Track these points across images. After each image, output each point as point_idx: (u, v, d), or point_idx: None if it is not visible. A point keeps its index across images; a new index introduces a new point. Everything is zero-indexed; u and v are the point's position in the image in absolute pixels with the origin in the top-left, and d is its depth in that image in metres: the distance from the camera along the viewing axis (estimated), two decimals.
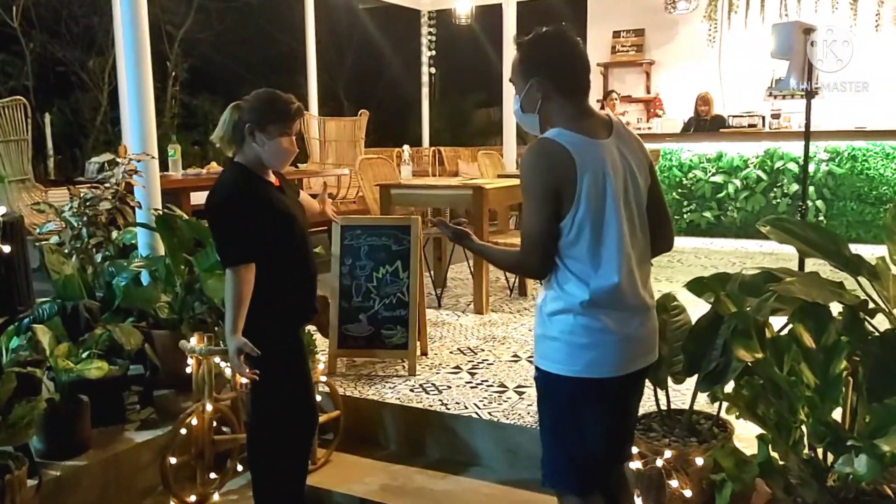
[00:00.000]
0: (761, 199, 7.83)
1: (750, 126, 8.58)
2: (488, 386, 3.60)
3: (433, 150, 10.50)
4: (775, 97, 9.24)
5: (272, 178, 2.58)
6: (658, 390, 2.69)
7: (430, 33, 11.90)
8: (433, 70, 11.49)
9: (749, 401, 2.21)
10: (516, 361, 3.97)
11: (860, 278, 2.54)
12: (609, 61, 10.36)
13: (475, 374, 3.79)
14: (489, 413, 3.26)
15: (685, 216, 8.18)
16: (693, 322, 2.66)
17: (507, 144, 7.48)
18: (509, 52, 7.72)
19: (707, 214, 8.10)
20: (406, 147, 6.45)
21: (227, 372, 3.16)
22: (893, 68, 8.36)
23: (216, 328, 3.40)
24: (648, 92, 10.25)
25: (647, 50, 10.21)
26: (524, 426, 3.11)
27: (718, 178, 8.05)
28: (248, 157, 2.52)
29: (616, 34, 10.36)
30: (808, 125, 4.05)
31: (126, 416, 3.37)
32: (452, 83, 13.40)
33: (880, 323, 2.46)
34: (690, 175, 8.17)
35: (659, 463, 2.40)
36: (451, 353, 4.16)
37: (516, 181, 5.54)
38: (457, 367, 3.89)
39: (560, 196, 1.85)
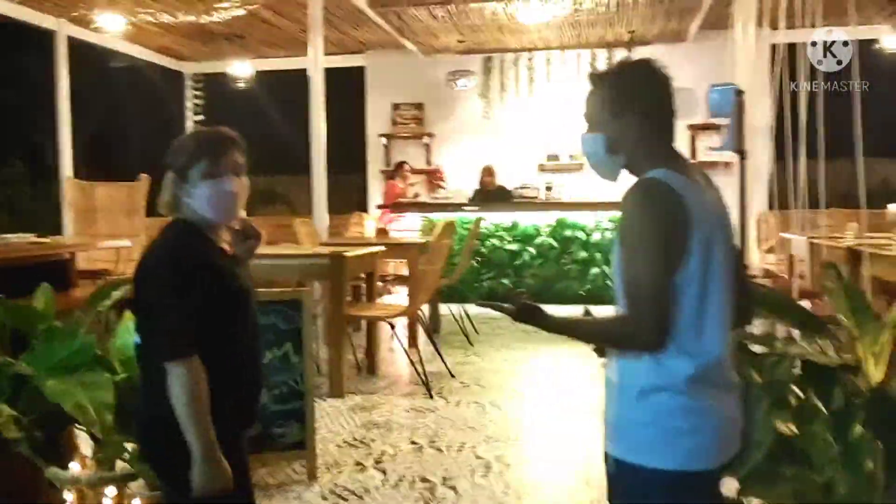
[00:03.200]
0: (554, 266, 8.20)
1: (530, 198, 9.02)
2: (410, 483, 3.15)
3: None
4: (548, 171, 9.95)
5: (224, 244, 2.01)
6: None
7: (195, 96, 11.13)
8: None
9: (792, 488, 2.08)
10: (420, 449, 3.55)
11: (819, 339, 2.60)
12: (390, 133, 10.41)
13: (384, 470, 3.30)
14: None
15: (484, 283, 8.29)
16: None
17: (318, 213, 7.04)
18: (317, 118, 7.42)
19: (505, 281, 8.28)
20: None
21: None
22: None
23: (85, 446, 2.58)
24: (429, 164, 10.42)
25: (427, 123, 10.43)
26: None
27: (514, 246, 8.32)
28: (187, 216, 1.95)
29: (396, 106, 10.46)
30: (742, 185, 4.06)
31: None
32: None
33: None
34: (488, 243, 8.34)
35: None
36: (338, 446, 3.61)
37: (370, 248, 5.16)
38: (358, 464, 3.37)
39: (672, 247, 1.60)
